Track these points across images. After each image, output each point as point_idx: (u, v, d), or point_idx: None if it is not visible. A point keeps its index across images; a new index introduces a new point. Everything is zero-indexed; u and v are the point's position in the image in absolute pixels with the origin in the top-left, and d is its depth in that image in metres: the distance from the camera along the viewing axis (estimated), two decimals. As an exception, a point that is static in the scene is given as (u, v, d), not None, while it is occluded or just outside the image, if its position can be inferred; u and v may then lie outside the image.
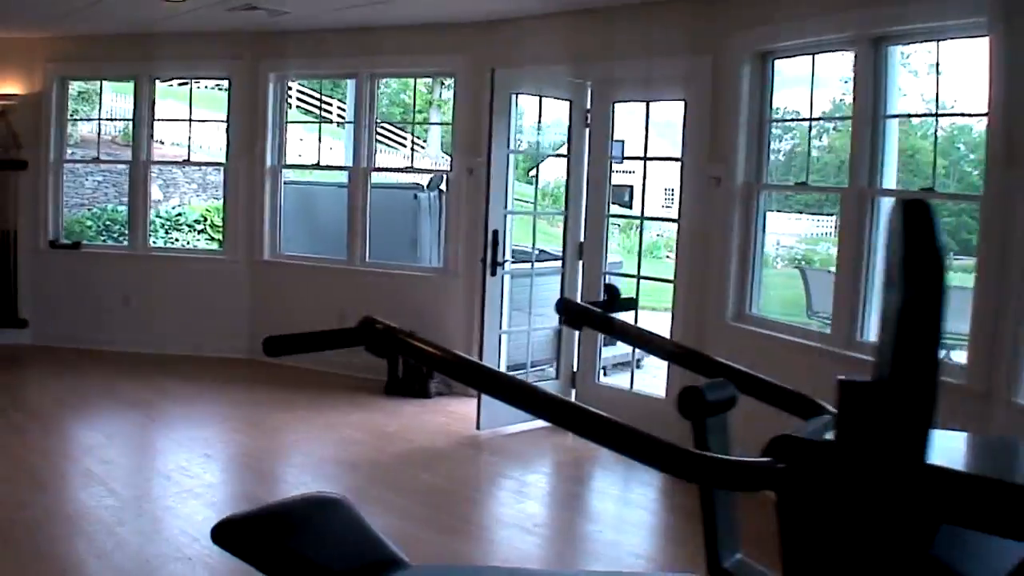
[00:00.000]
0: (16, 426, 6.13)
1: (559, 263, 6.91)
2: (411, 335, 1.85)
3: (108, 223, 13.73)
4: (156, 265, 8.56)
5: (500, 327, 6.54)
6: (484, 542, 4.72)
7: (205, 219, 15.52)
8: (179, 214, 15.23)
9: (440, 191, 8.54)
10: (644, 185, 6.91)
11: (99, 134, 9.59)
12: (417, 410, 6.97)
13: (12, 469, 5.25)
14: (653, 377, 8.04)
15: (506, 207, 6.50)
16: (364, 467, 5.65)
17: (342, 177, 8.44)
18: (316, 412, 6.77)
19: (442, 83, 19.13)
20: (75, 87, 9.84)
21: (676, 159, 6.37)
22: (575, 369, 6.93)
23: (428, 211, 8.51)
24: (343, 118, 18.17)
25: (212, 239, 15.38)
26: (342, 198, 8.31)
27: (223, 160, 8.50)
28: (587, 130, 6.73)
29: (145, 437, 6.30)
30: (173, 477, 5.25)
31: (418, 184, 8.93)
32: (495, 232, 6.25)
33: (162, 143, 14.95)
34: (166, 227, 14.28)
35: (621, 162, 7.49)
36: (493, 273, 6.28)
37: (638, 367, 9.42)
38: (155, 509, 4.77)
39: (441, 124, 12.10)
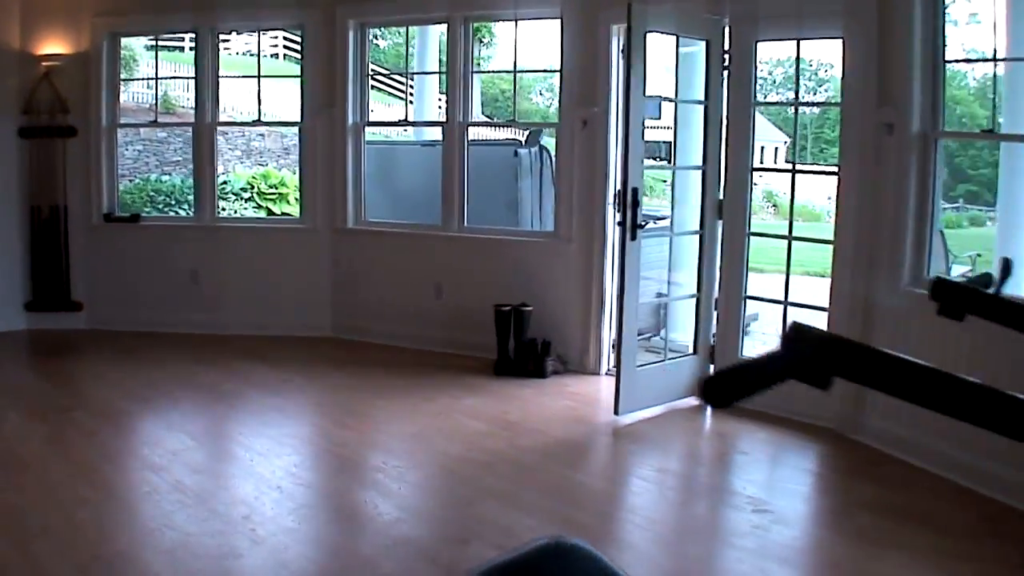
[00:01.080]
0: (86, 430, 5.30)
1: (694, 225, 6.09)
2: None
3: (152, 194, 12.96)
4: (226, 237, 7.77)
5: (638, 299, 5.72)
6: (687, 560, 3.94)
7: (252, 186, 14.76)
8: (224, 182, 14.44)
9: (542, 147, 7.72)
10: (795, 136, 6.07)
11: (155, 98, 8.78)
12: (535, 392, 6.20)
13: (90, 487, 4.44)
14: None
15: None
16: (500, 465, 4.88)
17: (424, 136, 7.61)
18: (423, 398, 6.01)
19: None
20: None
21: (833, 104, 5.53)
22: (712, 342, 6.12)
23: (529, 170, 7.70)
24: (389, 80, 17.45)
25: (259, 207, 14.64)
26: (427, 158, 7.53)
27: (297, 119, 7.65)
28: (725, 73, 5.87)
29: (236, 436, 5.52)
30: (284, 487, 4.48)
31: (516, 140, 8.08)
32: (635, 190, 5.41)
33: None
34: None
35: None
36: (633, 237, 5.46)
37: (745, 334, 8.73)
38: (275, 532, 3.98)
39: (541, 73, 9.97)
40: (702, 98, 5.91)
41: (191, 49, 8.96)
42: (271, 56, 19.26)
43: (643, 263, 5.93)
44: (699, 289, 6.10)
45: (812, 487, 4.93)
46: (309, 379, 6.49)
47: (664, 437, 5.51)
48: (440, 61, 7.93)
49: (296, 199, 17.82)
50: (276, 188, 15.26)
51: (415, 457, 5.05)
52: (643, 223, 5.50)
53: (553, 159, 7.78)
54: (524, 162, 7.65)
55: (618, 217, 5.68)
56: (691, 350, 6.17)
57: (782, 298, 5.92)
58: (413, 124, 7.78)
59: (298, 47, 7.88)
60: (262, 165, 16.44)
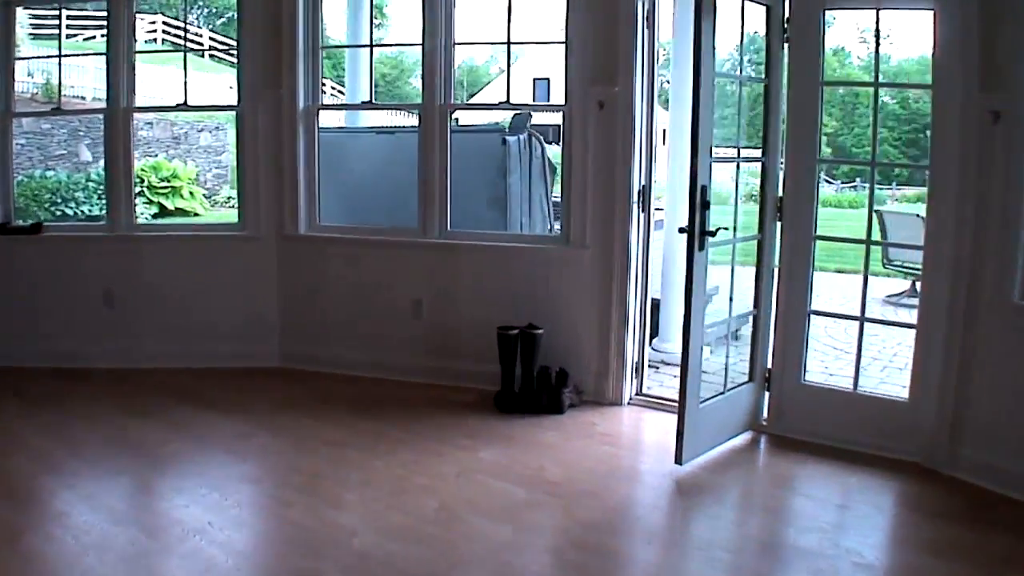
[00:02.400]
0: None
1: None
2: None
3: (36, 193, 11.21)
4: (147, 248, 6.34)
5: (703, 323, 4.66)
6: None
7: (142, 180, 13.12)
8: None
9: (531, 134, 6.56)
10: (875, 124, 5.13)
11: (39, 85, 7.21)
12: (559, 435, 5.09)
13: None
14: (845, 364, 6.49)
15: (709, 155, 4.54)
16: (574, 554, 3.73)
17: (378, 123, 6.34)
18: (426, 451, 4.82)
19: None
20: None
21: (923, 86, 4.62)
22: (769, 366, 5.13)
23: (518, 161, 6.51)
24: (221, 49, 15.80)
25: (151, 202, 13.02)
26: (384, 149, 6.27)
27: (234, 103, 6.26)
28: (785, 46, 4.85)
29: (166, 510, 4.06)
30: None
31: (500, 126, 6.87)
32: (703, 189, 4.33)
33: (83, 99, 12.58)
34: (100, 193, 11.83)
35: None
36: (701, 246, 4.38)
37: (735, 339, 7.82)
38: None
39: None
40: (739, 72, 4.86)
41: (74, 35, 7.44)
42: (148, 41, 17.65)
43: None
44: (756, 304, 5.08)
45: (940, 541, 3.94)
46: (274, 432, 5.14)
47: (741, 491, 4.53)
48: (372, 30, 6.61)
49: (191, 193, 16.44)
50: (168, 181, 13.67)
51: (457, 549, 3.77)
52: (713, 230, 4.41)
53: (544, 148, 6.64)
54: (513, 152, 6.46)
55: (652, 216, 4.58)
56: (746, 377, 5.15)
57: (854, 311, 5.00)
58: (383, 108, 6.49)
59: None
60: (151, 156, 14.71)
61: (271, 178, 6.16)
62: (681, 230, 4.44)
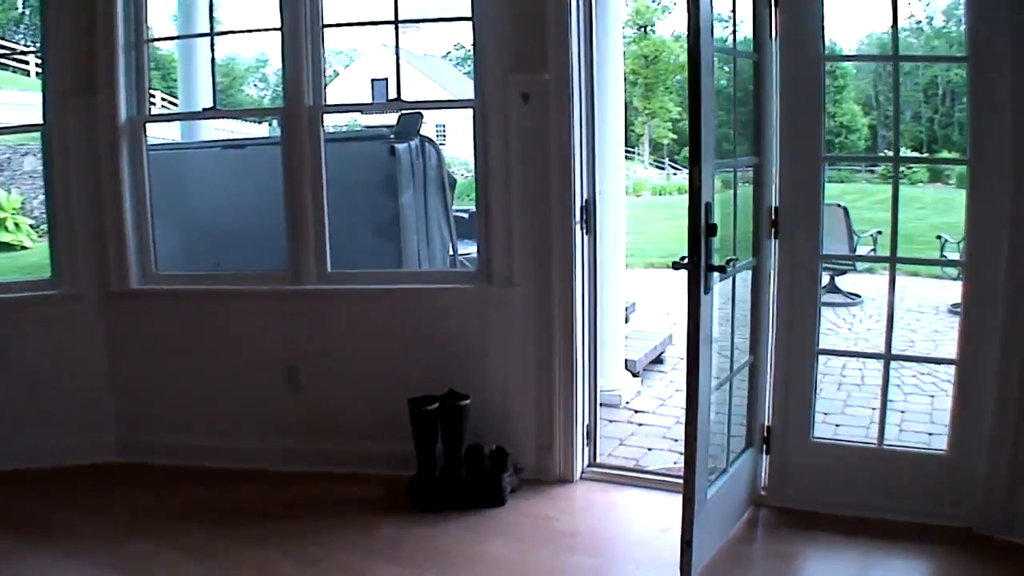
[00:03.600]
0: None
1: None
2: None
3: None
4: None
5: (712, 383, 3.45)
6: None
7: None
8: None
9: (425, 140, 5.21)
10: (896, 111, 4.00)
11: None
12: (509, 543, 3.80)
13: None
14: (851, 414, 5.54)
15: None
16: None
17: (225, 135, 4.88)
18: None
19: None
20: None
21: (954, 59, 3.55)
22: (768, 423, 3.98)
23: (411, 175, 5.13)
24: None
25: None
26: (233, 168, 4.86)
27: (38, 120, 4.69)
28: (774, 12, 3.72)
29: None
30: None
31: (385, 131, 5.45)
32: (708, 207, 3.11)
33: None
34: None
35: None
36: (708, 288, 3.17)
37: (659, 362, 6.79)
38: None
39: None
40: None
41: None
42: None
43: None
44: (752, 348, 3.93)
45: None
46: (95, 550, 3.70)
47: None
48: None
49: (16, 225, 14.39)
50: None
51: None
52: (722, 264, 3.21)
53: (440, 156, 5.31)
54: (404, 163, 5.07)
55: (599, 238, 3.35)
56: (743, 441, 3.98)
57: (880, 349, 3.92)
58: (231, 115, 5.01)
59: None
60: None
61: (88, 215, 4.62)
62: (677, 265, 3.19)
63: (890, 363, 3.90)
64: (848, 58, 35.22)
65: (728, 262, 3.27)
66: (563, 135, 4.09)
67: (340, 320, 4.51)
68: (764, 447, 4.00)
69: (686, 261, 3.13)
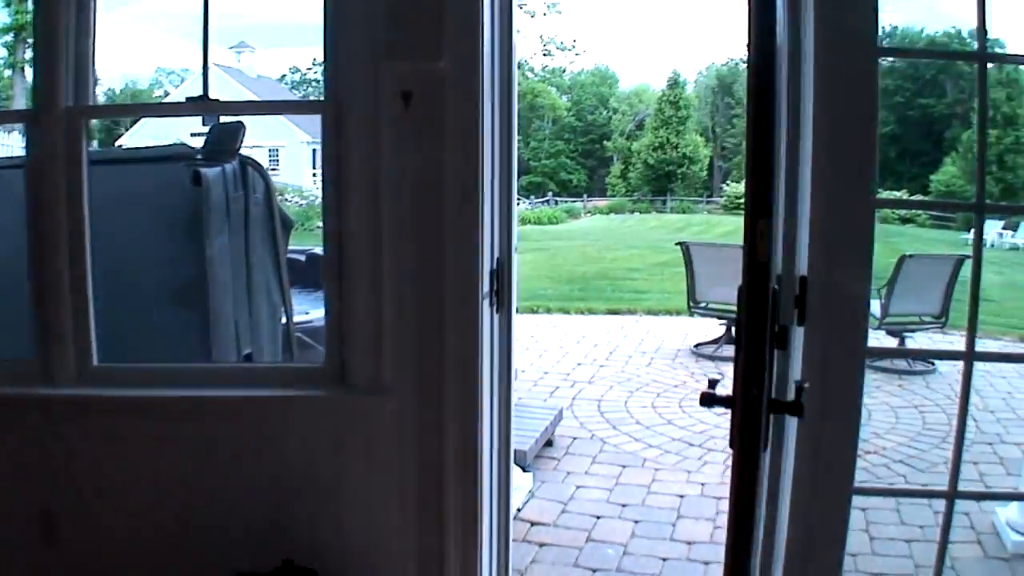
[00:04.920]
0: None
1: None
2: None
3: None
4: None
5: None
6: None
7: None
8: None
9: (246, 162, 3.58)
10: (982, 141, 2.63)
11: None
12: None
13: None
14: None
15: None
16: None
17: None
18: None
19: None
20: None
21: None
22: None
23: (226, 211, 3.45)
24: None
25: None
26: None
27: None
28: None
29: None
30: None
31: (186, 150, 3.76)
32: (774, 293, 1.67)
33: None
34: None
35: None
36: (766, 444, 1.73)
37: (549, 444, 5.46)
38: None
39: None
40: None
41: None
42: None
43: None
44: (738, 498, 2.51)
45: None
46: None
47: None
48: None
49: None
50: None
51: None
52: (798, 393, 1.78)
53: (270, 185, 3.69)
54: (215, 196, 3.38)
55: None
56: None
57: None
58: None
59: None
60: None
61: None
62: (709, 399, 1.74)
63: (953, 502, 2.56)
64: (917, 53, 33.09)
65: (802, 390, 1.83)
66: (468, 158, 2.61)
67: (114, 442, 2.87)
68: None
69: (715, 390, 1.68)
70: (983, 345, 8.86)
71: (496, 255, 2.75)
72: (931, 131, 53.31)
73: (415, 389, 2.74)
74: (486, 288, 2.69)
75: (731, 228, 33.42)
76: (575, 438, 6.04)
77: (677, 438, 6.04)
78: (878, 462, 5.58)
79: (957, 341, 8.91)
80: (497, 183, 2.75)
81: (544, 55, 48.85)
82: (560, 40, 48.80)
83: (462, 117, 2.59)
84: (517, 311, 2.99)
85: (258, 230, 3.72)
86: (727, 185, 47.54)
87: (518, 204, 3.02)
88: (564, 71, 62.47)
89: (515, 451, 4.69)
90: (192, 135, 6.29)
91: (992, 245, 28.77)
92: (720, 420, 6.37)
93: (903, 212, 40.03)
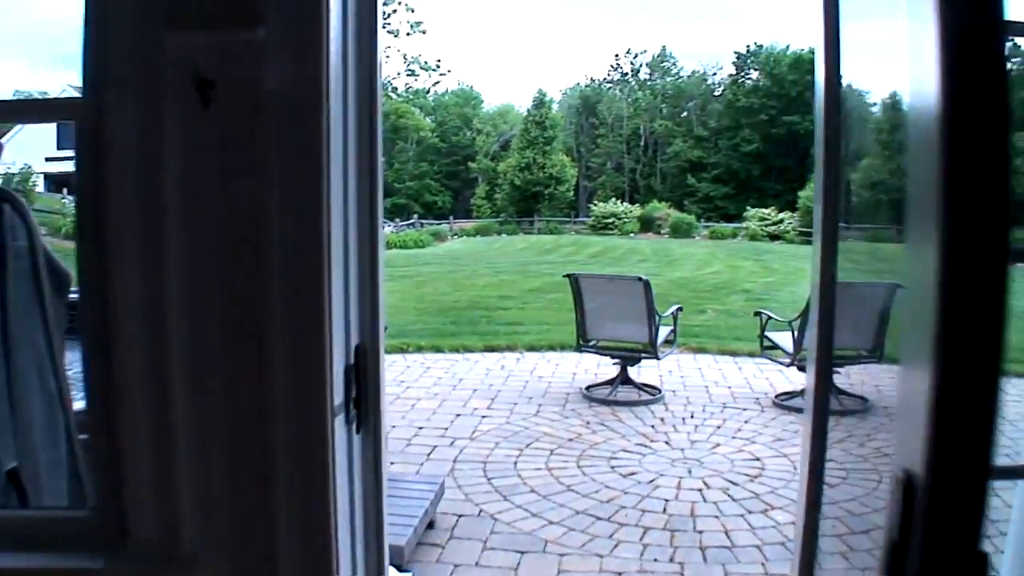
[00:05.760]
0: None
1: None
2: None
3: None
4: None
5: None
6: None
7: None
8: None
9: (5, 200, 2.47)
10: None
11: None
12: None
13: None
14: None
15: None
16: None
17: None
18: None
19: None
20: None
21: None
22: None
23: None
24: None
25: None
26: None
27: None
28: None
29: None
30: None
31: None
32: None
33: None
34: None
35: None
36: None
37: (430, 527, 4.48)
38: None
39: None
40: None
41: None
42: None
43: None
44: None
45: None
46: None
47: None
48: None
49: None
50: None
51: None
52: None
53: (33, 230, 2.60)
54: None
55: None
56: None
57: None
58: None
59: None
60: None
61: None
62: None
63: None
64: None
65: None
66: (308, 191, 1.59)
67: None
68: None
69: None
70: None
71: (355, 342, 1.74)
72: (796, 148, 54.66)
73: (232, 554, 1.72)
74: (338, 397, 1.68)
75: (600, 248, 33.08)
76: (460, 516, 5.04)
77: (581, 510, 5.11)
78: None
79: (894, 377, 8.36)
80: (354, 229, 1.75)
81: (408, 75, 47.81)
82: (424, 60, 47.75)
83: (297, 117, 1.58)
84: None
85: (20, 291, 2.61)
86: (594, 205, 47.46)
87: (384, 244, 2.06)
88: (428, 92, 61.74)
89: (390, 546, 3.71)
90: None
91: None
92: (629, 485, 5.51)
93: (772, 228, 40.79)
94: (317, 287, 1.58)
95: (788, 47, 58.54)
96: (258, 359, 1.60)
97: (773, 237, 40.15)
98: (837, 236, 1.60)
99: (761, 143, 56.07)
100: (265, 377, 1.60)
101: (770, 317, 7.45)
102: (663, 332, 7.51)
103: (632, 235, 42.54)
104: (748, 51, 60.13)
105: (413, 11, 43.93)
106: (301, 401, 1.62)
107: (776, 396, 7.40)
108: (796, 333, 6.85)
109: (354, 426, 1.76)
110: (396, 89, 48.37)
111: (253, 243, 1.58)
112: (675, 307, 7.88)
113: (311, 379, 1.61)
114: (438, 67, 48.76)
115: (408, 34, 44.34)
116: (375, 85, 1.83)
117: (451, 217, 49.53)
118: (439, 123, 64.01)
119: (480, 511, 5.14)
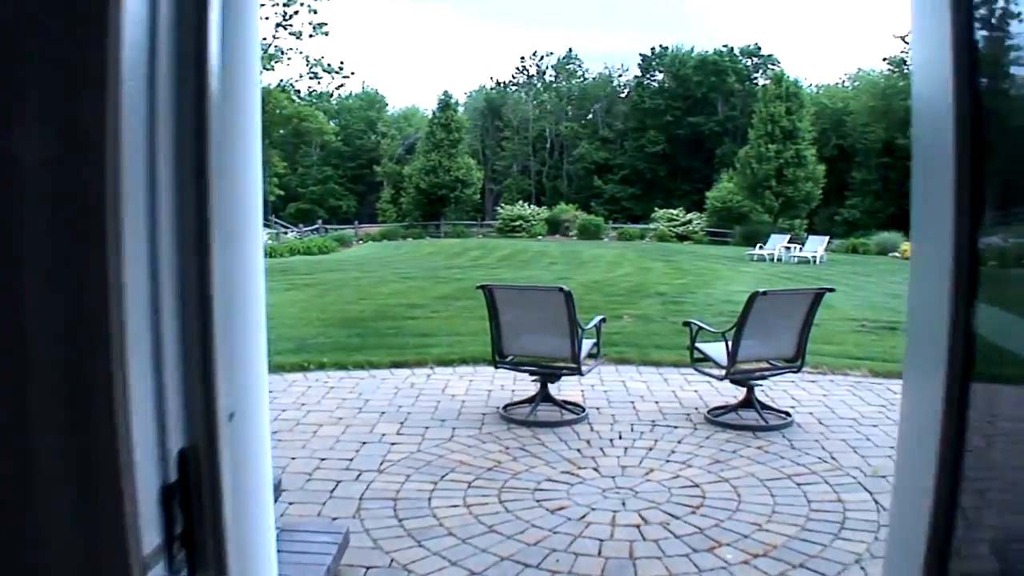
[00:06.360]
0: None
1: None
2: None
3: None
4: None
5: None
6: None
7: None
8: None
9: None
10: None
11: None
12: None
13: None
14: None
15: None
16: None
17: None
18: None
19: None
20: None
21: None
22: None
23: None
24: None
25: None
26: None
27: None
28: None
29: None
30: None
31: None
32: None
33: None
34: None
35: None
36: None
37: None
38: None
39: None
40: None
41: None
42: None
43: None
44: None
45: None
46: None
47: None
48: None
49: None
50: None
51: None
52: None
53: None
54: None
55: None
56: None
57: None
58: None
59: None
60: None
61: None
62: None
63: None
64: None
65: None
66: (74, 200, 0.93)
67: None
68: None
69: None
70: (835, 384, 7.92)
71: (176, 446, 1.09)
72: (702, 148, 55.14)
73: None
74: (151, 539, 1.03)
75: (509, 251, 32.61)
76: (368, 568, 4.37)
77: (507, 556, 4.48)
78: (773, 570, 4.26)
79: (817, 384, 7.97)
80: (170, 265, 1.10)
81: (311, 77, 46.55)
82: (327, 62, 46.57)
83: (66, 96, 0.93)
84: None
85: None
86: (501, 208, 47.03)
87: (265, 252, 1.37)
88: (331, 95, 60.53)
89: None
90: None
91: (779, 260, 29.36)
92: (557, 522, 4.90)
93: (680, 229, 41.01)
94: (90, 370, 0.93)
95: (692, 48, 59.09)
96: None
97: (682, 238, 40.36)
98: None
99: (667, 144, 56.50)
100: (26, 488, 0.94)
101: (700, 327, 6.95)
102: (586, 345, 6.95)
103: (540, 237, 42.27)
104: (653, 53, 60.55)
105: (316, 12, 42.73)
106: (84, 564, 0.96)
107: (709, 411, 6.91)
108: (730, 345, 6.37)
109: (181, 578, 1.10)
110: (299, 92, 47.10)
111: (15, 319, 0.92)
112: (599, 318, 7.32)
113: (97, 524, 0.96)
114: (341, 69, 47.56)
115: (311, 36, 43.08)
116: (206, 59, 1.18)
117: (356, 222, 48.54)
118: (343, 126, 62.90)
119: (391, 561, 4.48)
